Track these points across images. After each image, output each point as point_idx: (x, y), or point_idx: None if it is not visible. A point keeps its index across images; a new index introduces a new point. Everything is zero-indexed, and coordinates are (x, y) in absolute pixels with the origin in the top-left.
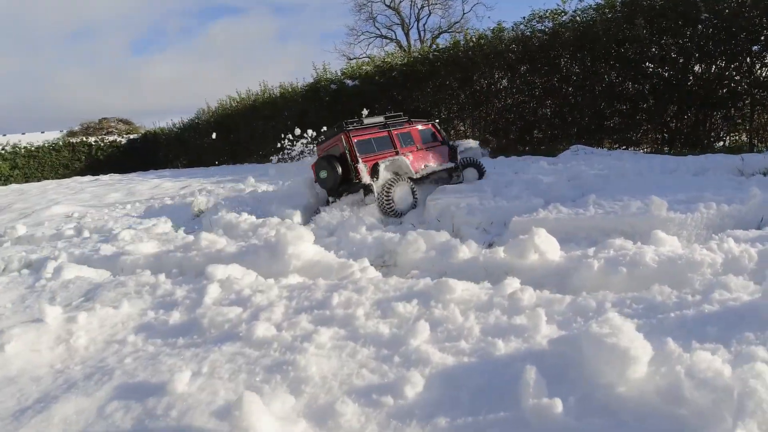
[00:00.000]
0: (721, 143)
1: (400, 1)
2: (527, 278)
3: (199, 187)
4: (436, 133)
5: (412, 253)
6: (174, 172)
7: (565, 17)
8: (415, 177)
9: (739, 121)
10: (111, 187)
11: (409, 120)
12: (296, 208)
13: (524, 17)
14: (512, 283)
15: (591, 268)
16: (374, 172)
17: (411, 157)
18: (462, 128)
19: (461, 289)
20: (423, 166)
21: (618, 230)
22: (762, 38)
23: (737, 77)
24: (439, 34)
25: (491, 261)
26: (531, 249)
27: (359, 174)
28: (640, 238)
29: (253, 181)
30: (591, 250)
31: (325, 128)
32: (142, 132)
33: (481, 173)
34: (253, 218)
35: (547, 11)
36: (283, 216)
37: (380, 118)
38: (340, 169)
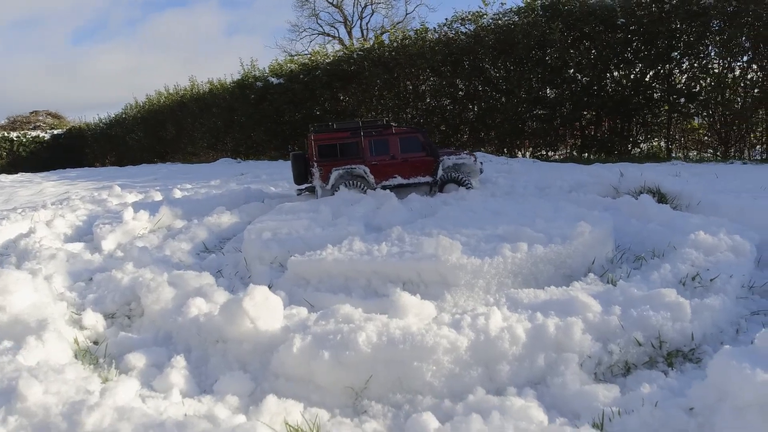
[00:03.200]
0: (639, 150)
1: None
2: (234, 353)
3: (76, 192)
4: (423, 144)
5: (153, 304)
6: (82, 172)
7: (485, 19)
8: (374, 188)
9: (656, 128)
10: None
11: (390, 126)
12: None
13: (447, 18)
14: None
15: (291, 348)
16: (327, 177)
17: (379, 166)
18: None
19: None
20: (391, 177)
21: (402, 278)
22: (681, 45)
23: (655, 84)
24: (382, 33)
25: (209, 324)
26: (242, 314)
27: (312, 176)
28: (424, 290)
29: (119, 190)
30: (312, 319)
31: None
32: (68, 127)
33: (465, 187)
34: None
35: (469, 13)
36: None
37: (356, 123)
38: (302, 168)
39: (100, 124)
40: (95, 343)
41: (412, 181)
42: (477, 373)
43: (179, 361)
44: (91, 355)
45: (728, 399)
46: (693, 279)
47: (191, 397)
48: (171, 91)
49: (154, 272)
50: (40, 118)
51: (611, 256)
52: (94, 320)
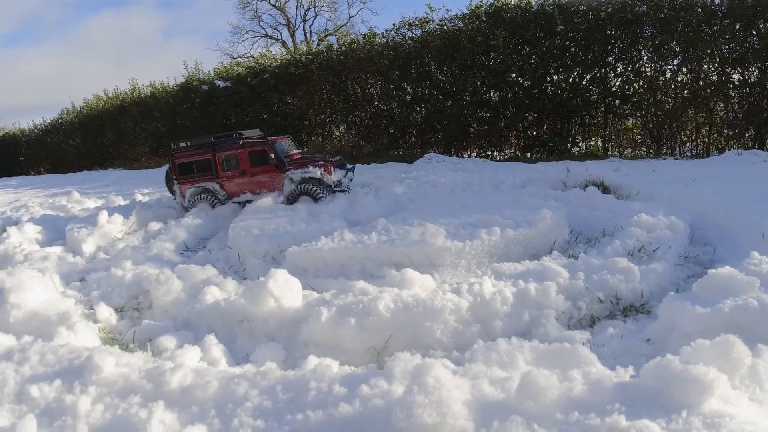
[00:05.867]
0: (578, 149)
1: (286, 1)
2: (260, 330)
3: (28, 200)
4: (272, 158)
5: (163, 295)
6: (22, 180)
7: (431, 25)
8: (228, 203)
9: (593, 128)
10: None
11: (240, 141)
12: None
13: (394, 24)
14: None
15: (319, 318)
16: (184, 194)
17: (230, 182)
18: (337, 133)
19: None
20: (242, 193)
21: (394, 261)
22: (615, 50)
23: (592, 87)
24: (326, 36)
25: (230, 307)
26: (267, 295)
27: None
28: (417, 270)
29: (77, 196)
30: (329, 294)
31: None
32: (1, 134)
33: (316, 200)
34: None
35: (415, 18)
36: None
37: (209, 139)
38: (170, 184)
39: (35, 130)
40: (110, 333)
41: (261, 197)
42: (476, 328)
43: (212, 339)
44: (119, 342)
45: (676, 329)
46: (639, 251)
47: (234, 366)
48: (110, 94)
49: (155, 268)
50: None
51: (568, 238)
52: (107, 313)
